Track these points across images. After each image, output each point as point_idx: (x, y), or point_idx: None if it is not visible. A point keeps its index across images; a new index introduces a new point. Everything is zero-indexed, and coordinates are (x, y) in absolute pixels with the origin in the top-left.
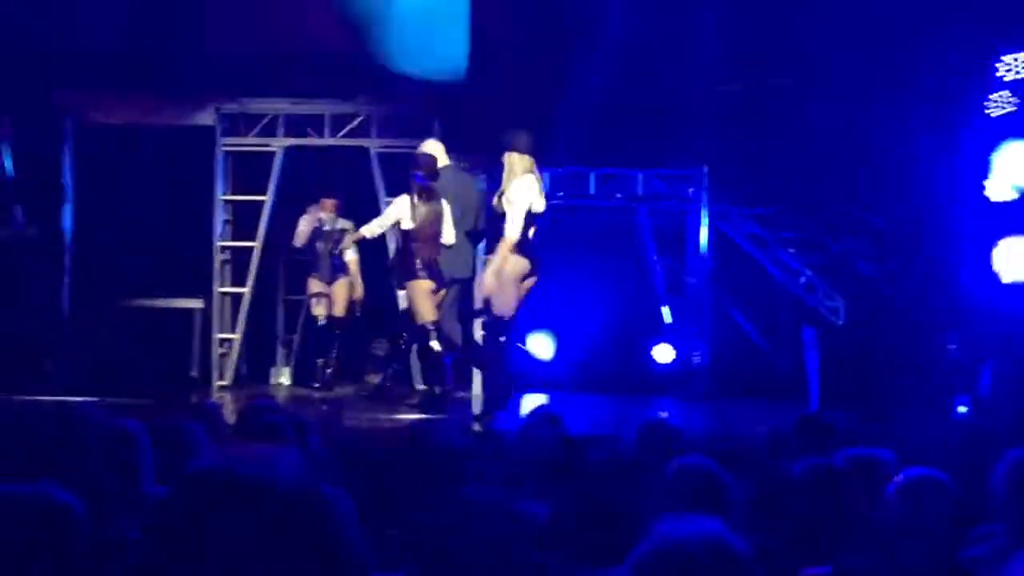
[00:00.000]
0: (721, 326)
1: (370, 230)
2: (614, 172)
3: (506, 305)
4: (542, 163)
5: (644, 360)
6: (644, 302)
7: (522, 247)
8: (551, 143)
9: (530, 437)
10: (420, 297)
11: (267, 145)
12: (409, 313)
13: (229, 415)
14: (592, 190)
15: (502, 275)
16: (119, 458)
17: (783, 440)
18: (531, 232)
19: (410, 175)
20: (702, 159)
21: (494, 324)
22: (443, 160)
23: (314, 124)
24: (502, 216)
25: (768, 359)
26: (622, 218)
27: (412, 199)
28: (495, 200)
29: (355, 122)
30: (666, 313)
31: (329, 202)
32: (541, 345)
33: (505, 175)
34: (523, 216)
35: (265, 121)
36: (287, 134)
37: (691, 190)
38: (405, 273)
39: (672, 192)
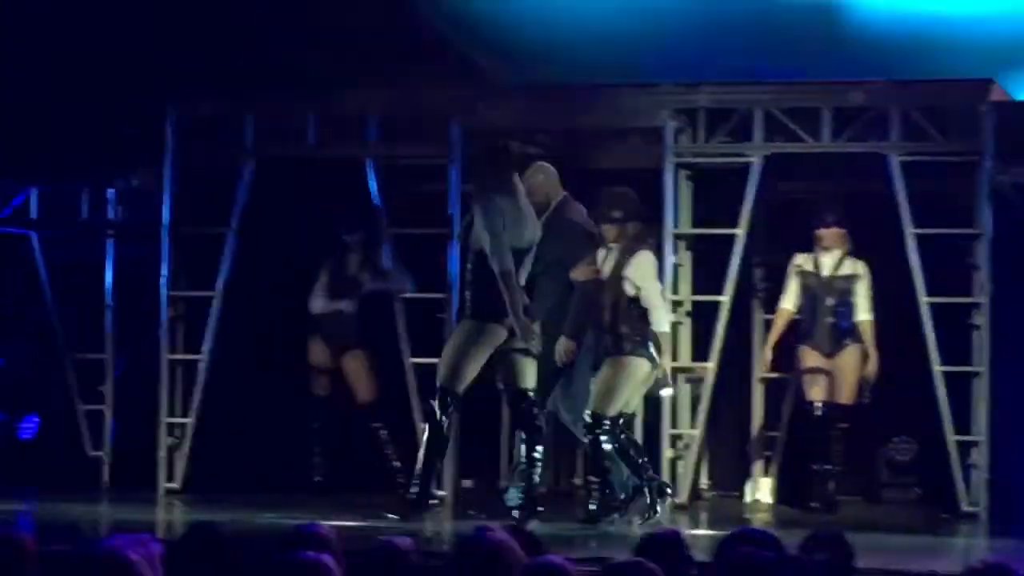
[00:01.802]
0: None
1: None
2: None
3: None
4: None
5: None
6: None
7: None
8: None
9: None
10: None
11: (740, 154)
12: None
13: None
14: None
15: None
16: None
17: None
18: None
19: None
20: None
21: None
22: (556, 192)
23: (804, 122)
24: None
25: None
26: None
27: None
28: None
29: (865, 117)
30: None
31: (830, 233)
32: None
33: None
34: (499, 247)
35: (734, 119)
36: (768, 138)
37: None
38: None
39: None
